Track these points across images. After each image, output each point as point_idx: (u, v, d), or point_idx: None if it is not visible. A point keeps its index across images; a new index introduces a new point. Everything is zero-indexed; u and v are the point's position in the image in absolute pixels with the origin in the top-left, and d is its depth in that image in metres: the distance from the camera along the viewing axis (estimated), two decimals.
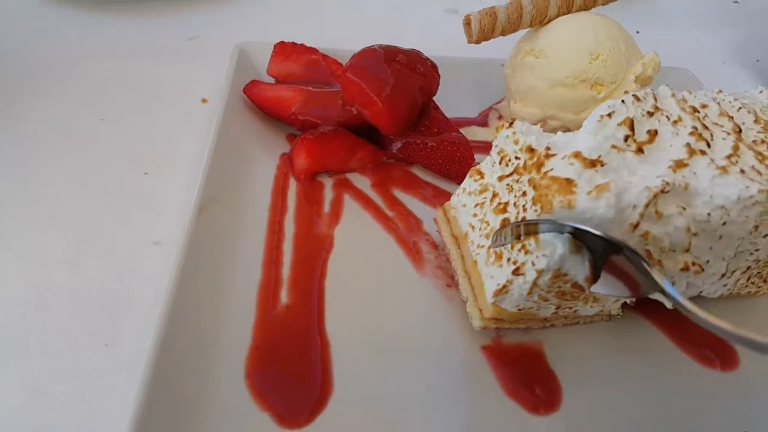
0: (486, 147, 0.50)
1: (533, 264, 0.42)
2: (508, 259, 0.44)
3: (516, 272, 0.43)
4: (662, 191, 0.38)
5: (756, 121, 0.48)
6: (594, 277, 0.41)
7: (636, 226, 0.39)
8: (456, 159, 0.61)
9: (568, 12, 0.63)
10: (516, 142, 0.46)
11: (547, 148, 0.42)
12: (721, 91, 0.52)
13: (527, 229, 0.40)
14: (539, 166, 0.42)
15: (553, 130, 0.46)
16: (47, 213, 0.57)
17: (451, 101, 0.67)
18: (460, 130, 0.65)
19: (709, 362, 0.47)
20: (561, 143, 0.42)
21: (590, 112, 0.44)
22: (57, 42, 0.80)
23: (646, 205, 0.38)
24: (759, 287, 0.51)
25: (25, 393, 0.44)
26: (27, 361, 0.45)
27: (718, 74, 0.88)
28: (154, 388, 0.40)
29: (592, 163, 0.39)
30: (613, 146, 0.41)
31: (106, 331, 0.48)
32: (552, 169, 0.40)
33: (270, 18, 0.91)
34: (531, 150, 0.44)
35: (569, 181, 0.39)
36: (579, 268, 0.41)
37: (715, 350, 0.48)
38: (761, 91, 0.54)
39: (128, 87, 0.74)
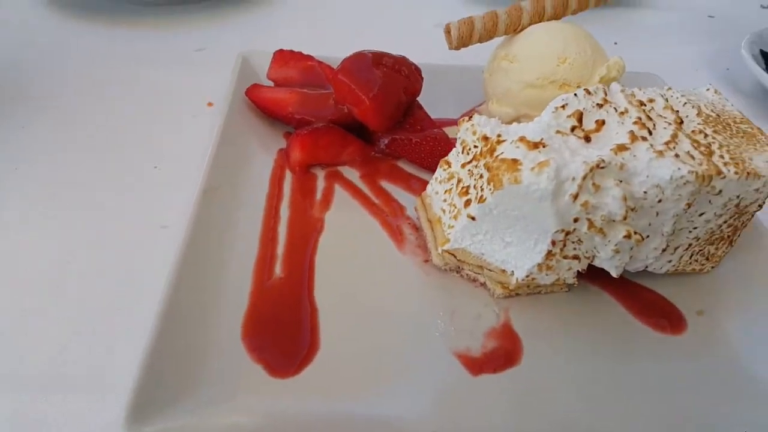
0: None
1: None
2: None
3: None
4: (598, 166, 0.44)
5: (698, 114, 0.54)
6: None
7: (576, 196, 0.44)
8: (437, 153, 0.66)
9: (540, 21, 0.69)
10: (474, 133, 0.52)
11: (498, 135, 0.49)
12: (670, 89, 0.58)
13: None
14: (492, 151, 0.49)
15: None
16: (69, 199, 0.64)
17: (436, 104, 0.74)
18: (444, 129, 0.71)
19: (660, 327, 0.52)
20: (512, 131, 0.49)
21: None
22: (76, 53, 0.90)
23: (584, 177, 0.44)
24: (702, 264, 0.56)
25: (50, 345, 0.49)
26: (51, 322, 0.51)
27: (689, 81, 0.93)
28: (161, 344, 0.45)
29: (535, 145, 0.46)
30: (558, 131, 0.47)
31: (121, 296, 0.54)
32: (502, 153, 0.47)
33: (269, 30, 1.00)
34: (486, 138, 0.50)
35: (515, 161, 0.45)
36: None
37: (665, 316, 0.53)
38: (708, 89, 0.60)
39: (140, 93, 0.82)
